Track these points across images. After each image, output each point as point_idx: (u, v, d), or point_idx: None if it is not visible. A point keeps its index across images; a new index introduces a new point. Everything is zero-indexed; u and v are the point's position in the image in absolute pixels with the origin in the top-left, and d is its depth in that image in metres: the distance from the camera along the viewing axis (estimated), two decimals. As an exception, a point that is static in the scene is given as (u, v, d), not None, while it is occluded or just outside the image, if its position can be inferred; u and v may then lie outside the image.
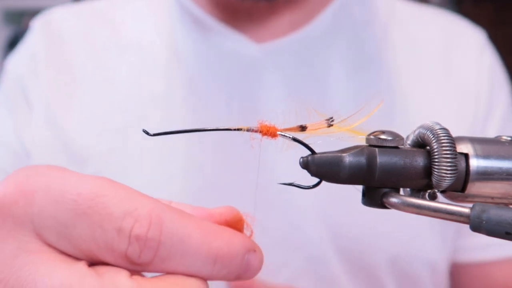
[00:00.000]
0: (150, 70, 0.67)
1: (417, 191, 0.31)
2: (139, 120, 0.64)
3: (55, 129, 0.65)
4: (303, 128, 0.31)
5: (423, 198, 0.30)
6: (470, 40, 0.73)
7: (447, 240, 0.65)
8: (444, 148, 0.29)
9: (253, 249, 0.29)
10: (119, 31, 0.70)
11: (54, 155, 0.64)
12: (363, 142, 0.31)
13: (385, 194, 0.30)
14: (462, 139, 0.31)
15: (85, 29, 0.71)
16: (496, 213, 0.27)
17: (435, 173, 0.29)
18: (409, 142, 0.32)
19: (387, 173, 0.30)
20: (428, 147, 0.30)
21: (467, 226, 0.28)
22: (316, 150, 0.31)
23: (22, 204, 0.27)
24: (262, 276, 0.51)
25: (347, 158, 0.30)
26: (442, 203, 0.29)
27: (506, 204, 0.30)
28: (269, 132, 0.31)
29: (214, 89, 0.65)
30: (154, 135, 0.31)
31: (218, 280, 0.28)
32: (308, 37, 0.67)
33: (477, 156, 0.30)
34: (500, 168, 0.30)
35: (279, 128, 0.31)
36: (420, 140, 0.31)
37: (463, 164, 0.30)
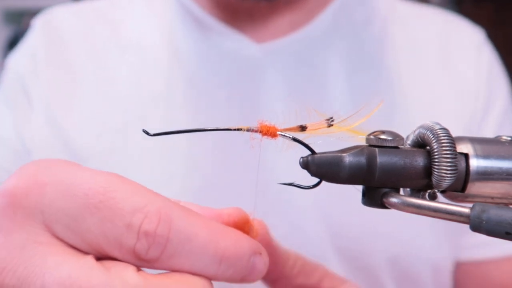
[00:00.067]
0: (151, 70, 0.67)
1: (417, 191, 0.31)
2: (139, 120, 0.64)
3: (55, 129, 0.65)
4: (303, 128, 0.31)
5: (423, 198, 0.30)
6: (469, 39, 0.73)
7: (447, 239, 0.65)
8: (444, 148, 0.29)
9: (259, 251, 0.29)
10: (120, 31, 0.70)
11: (54, 155, 0.64)
12: (363, 142, 0.31)
13: (385, 194, 0.30)
14: (462, 139, 0.31)
15: (85, 29, 0.71)
16: (496, 213, 0.27)
17: (435, 173, 0.29)
18: (409, 142, 0.32)
19: (387, 173, 0.30)
20: (428, 147, 0.30)
21: (465, 225, 0.28)
22: (316, 150, 0.31)
23: (33, 196, 0.27)
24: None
25: (347, 158, 0.30)
26: (442, 203, 0.29)
27: (506, 204, 0.30)
28: (269, 132, 0.31)
29: (214, 89, 0.65)
30: (154, 135, 0.31)
31: (222, 281, 0.28)
32: (308, 37, 0.67)
33: (477, 156, 0.30)
34: (500, 168, 0.30)
35: (279, 128, 0.31)
36: (420, 140, 0.31)
37: (463, 164, 0.30)
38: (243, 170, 0.60)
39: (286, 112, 0.32)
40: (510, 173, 0.30)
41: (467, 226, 0.28)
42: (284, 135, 0.31)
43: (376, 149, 0.30)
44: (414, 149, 0.31)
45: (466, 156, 0.30)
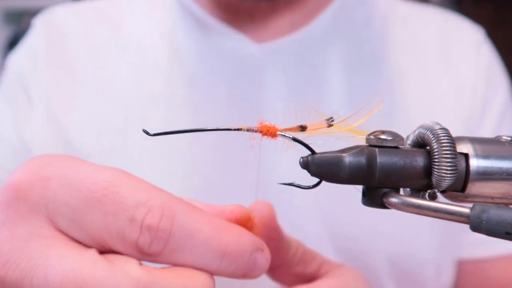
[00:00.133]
0: (151, 69, 0.67)
1: (417, 191, 0.31)
2: (139, 120, 0.64)
3: (55, 128, 0.65)
4: (303, 128, 0.31)
5: (423, 198, 0.30)
6: (469, 38, 0.73)
7: (447, 239, 0.65)
8: (444, 148, 0.29)
9: (261, 248, 0.29)
10: (120, 31, 0.70)
11: None
12: (363, 142, 0.31)
13: (385, 194, 0.30)
14: (462, 139, 0.31)
15: (85, 29, 0.71)
16: (496, 213, 0.27)
17: (435, 173, 0.29)
18: (409, 142, 0.32)
19: (387, 173, 0.30)
20: (428, 147, 0.30)
21: (464, 225, 0.28)
22: (316, 150, 0.31)
23: (37, 190, 0.27)
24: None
25: (347, 158, 0.30)
26: (442, 203, 0.29)
27: (506, 204, 0.30)
28: (269, 132, 0.31)
29: (214, 89, 0.65)
30: (154, 135, 0.31)
31: (224, 276, 0.29)
32: (308, 37, 0.67)
33: (477, 156, 0.30)
34: (500, 168, 0.30)
35: (279, 128, 0.31)
36: (420, 140, 0.31)
37: (463, 164, 0.30)
38: (243, 170, 0.60)
39: (286, 112, 0.32)
40: (510, 173, 0.30)
41: (466, 226, 0.28)
42: (284, 135, 0.31)
43: (376, 149, 0.30)
44: (414, 149, 0.31)
45: (466, 156, 0.30)
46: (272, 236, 0.37)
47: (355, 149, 0.30)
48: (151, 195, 0.27)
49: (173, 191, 0.30)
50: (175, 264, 0.27)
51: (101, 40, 0.69)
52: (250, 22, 0.66)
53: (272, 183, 0.55)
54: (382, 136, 0.30)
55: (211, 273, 0.28)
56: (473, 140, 0.31)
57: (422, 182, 0.30)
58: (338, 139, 0.32)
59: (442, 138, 0.29)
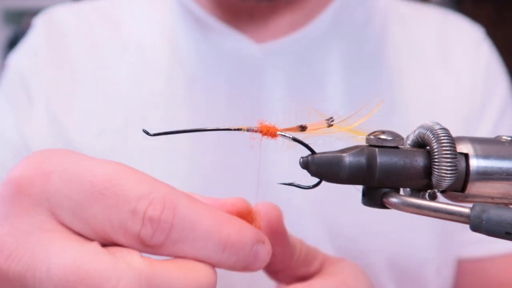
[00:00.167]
0: (151, 69, 0.67)
1: (417, 191, 0.31)
2: (139, 119, 0.64)
3: (56, 128, 0.65)
4: (303, 128, 0.31)
5: (423, 198, 0.30)
6: (467, 36, 0.73)
7: (446, 239, 0.65)
8: (444, 148, 0.29)
9: (262, 240, 0.29)
10: (120, 31, 0.70)
11: None
12: (363, 142, 0.31)
13: (385, 194, 0.30)
14: (462, 139, 0.31)
15: (86, 29, 0.71)
16: (496, 213, 0.27)
17: (435, 173, 0.29)
18: (409, 142, 0.32)
19: (387, 173, 0.30)
20: (428, 147, 0.30)
21: (464, 225, 0.28)
22: (316, 150, 0.31)
23: (39, 183, 0.28)
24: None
25: (347, 158, 0.30)
26: (442, 203, 0.29)
27: (506, 204, 0.30)
28: (269, 132, 0.31)
29: (214, 89, 0.65)
30: (154, 135, 0.31)
31: (226, 268, 0.29)
32: (308, 37, 0.67)
33: (477, 156, 0.30)
34: (500, 168, 0.30)
35: (279, 128, 0.31)
36: (420, 140, 0.31)
37: (463, 164, 0.30)
38: (243, 170, 0.60)
39: (286, 112, 0.32)
40: (510, 173, 0.30)
41: (465, 226, 0.28)
42: (284, 135, 0.31)
43: (376, 149, 0.30)
44: (414, 149, 0.31)
45: (466, 156, 0.30)
46: (279, 242, 0.36)
47: (355, 149, 0.30)
48: (152, 187, 0.27)
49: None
50: (177, 256, 0.28)
51: (101, 40, 0.70)
52: (250, 22, 0.66)
53: (272, 183, 0.55)
54: (382, 136, 0.30)
55: (213, 265, 0.28)
56: (473, 140, 0.31)
57: (422, 182, 0.30)
58: (338, 139, 0.32)
59: (442, 138, 0.29)
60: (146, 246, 0.27)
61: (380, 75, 0.68)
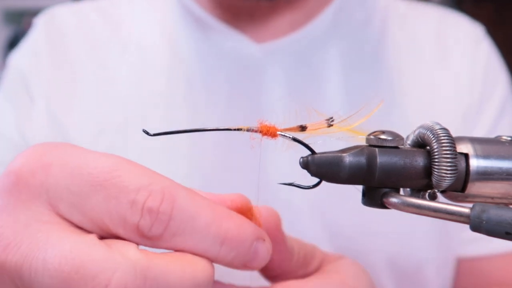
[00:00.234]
0: (151, 69, 0.67)
1: (417, 191, 0.31)
2: (139, 119, 0.64)
3: (56, 128, 0.65)
4: (303, 128, 0.31)
5: (423, 198, 0.30)
6: (466, 34, 0.73)
7: (446, 239, 0.65)
8: (444, 148, 0.29)
9: (262, 238, 0.29)
10: (120, 31, 0.70)
11: None
12: (363, 142, 0.31)
13: (385, 194, 0.30)
14: (462, 139, 0.31)
15: (86, 28, 0.71)
16: (496, 213, 0.27)
17: (435, 173, 0.29)
18: (409, 142, 0.32)
19: (387, 173, 0.30)
20: (428, 147, 0.30)
21: (463, 224, 0.28)
22: (316, 150, 0.31)
23: (38, 176, 0.28)
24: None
25: (347, 158, 0.30)
26: (442, 203, 0.29)
27: (506, 204, 0.30)
28: (269, 132, 0.31)
29: (214, 89, 0.66)
30: (154, 135, 0.31)
31: (224, 264, 0.28)
32: (308, 37, 0.67)
33: (477, 156, 0.30)
34: (500, 168, 0.30)
35: (279, 128, 0.31)
36: (420, 140, 0.31)
37: (463, 164, 0.30)
38: (243, 170, 0.60)
39: (286, 112, 0.32)
40: (510, 173, 0.30)
41: (465, 226, 0.28)
42: (284, 135, 0.31)
43: (376, 149, 0.30)
44: (414, 149, 0.31)
45: (466, 156, 0.30)
46: (277, 248, 0.36)
47: (355, 149, 0.30)
48: (152, 179, 0.27)
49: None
50: (175, 249, 0.28)
51: (101, 40, 0.70)
52: (250, 22, 0.66)
53: (272, 183, 0.55)
54: (382, 136, 0.30)
55: (211, 260, 0.28)
56: (473, 140, 0.31)
57: (422, 182, 0.30)
58: (338, 139, 0.32)
59: (442, 138, 0.29)
60: (145, 238, 0.27)
61: (380, 75, 0.68)
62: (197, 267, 0.27)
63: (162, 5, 0.71)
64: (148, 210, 0.26)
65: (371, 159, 0.30)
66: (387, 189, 0.30)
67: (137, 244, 0.27)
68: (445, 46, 0.72)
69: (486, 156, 0.30)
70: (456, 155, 0.29)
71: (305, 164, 0.30)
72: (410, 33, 0.72)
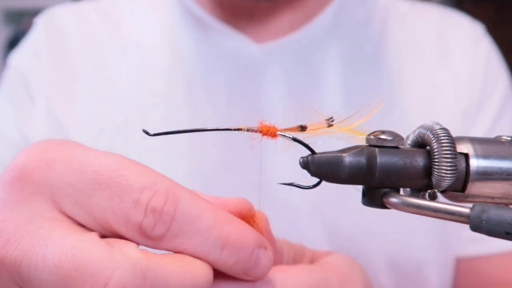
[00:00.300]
0: (151, 69, 0.67)
1: (417, 191, 0.31)
2: (139, 119, 0.64)
3: (56, 127, 0.65)
4: (303, 128, 0.31)
5: (423, 198, 0.30)
6: (466, 33, 0.73)
7: (446, 239, 0.65)
8: (444, 148, 0.29)
9: (265, 246, 0.29)
10: (120, 31, 0.70)
11: None
12: (363, 142, 0.31)
13: (385, 194, 0.30)
14: (462, 139, 0.31)
15: (86, 28, 0.71)
16: (496, 213, 0.27)
17: (435, 173, 0.29)
18: (409, 142, 0.32)
19: (387, 173, 0.30)
20: (428, 147, 0.30)
21: (463, 224, 0.28)
22: (316, 150, 0.31)
23: (42, 171, 0.28)
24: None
25: (347, 158, 0.30)
26: (442, 203, 0.29)
27: (506, 204, 0.30)
28: (269, 132, 0.31)
29: (214, 89, 0.66)
30: (154, 135, 0.31)
31: (225, 270, 0.28)
32: (308, 37, 0.67)
33: (477, 156, 0.30)
34: (500, 168, 0.30)
35: (279, 128, 0.31)
36: (420, 140, 0.31)
37: (463, 164, 0.30)
38: (243, 170, 0.60)
39: (286, 112, 0.32)
40: (510, 173, 0.30)
41: (465, 225, 0.28)
42: (284, 135, 0.31)
43: (376, 149, 0.30)
44: (414, 149, 0.31)
45: (466, 156, 0.30)
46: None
47: (355, 149, 0.30)
48: (156, 179, 0.27)
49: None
50: (176, 251, 0.28)
51: (101, 40, 0.70)
52: (250, 22, 0.66)
53: (272, 183, 0.55)
54: (382, 136, 0.30)
55: (212, 263, 0.28)
56: (473, 140, 0.31)
57: (422, 182, 0.30)
58: (338, 139, 0.32)
59: (442, 138, 0.29)
60: (147, 238, 0.27)
61: (380, 75, 0.68)
62: (196, 269, 0.27)
63: (162, 5, 0.71)
64: (152, 210, 0.26)
65: (371, 159, 0.30)
66: (387, 189, 0.30)
67: (139, 244, 0.27)
68: (446, 46, 0.72)
69: (486, 156, 0.30)
70: (456, 155, 0.29)
71: (305, 164, 0.30)
72: (410, 33, 0.72)
